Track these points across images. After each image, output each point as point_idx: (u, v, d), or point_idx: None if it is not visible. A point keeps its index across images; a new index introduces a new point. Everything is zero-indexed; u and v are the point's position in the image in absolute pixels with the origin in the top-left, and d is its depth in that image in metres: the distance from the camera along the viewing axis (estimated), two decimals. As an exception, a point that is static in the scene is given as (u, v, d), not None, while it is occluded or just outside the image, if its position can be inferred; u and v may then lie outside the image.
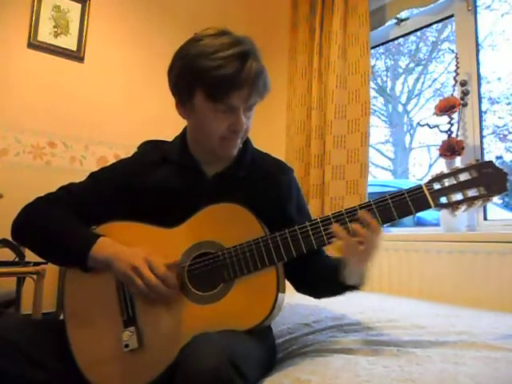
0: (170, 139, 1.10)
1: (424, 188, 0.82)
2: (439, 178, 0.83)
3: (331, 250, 0.98)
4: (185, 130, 1.06)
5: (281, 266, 0.87)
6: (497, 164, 0.81)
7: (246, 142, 1.05)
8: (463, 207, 0.81)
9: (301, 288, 1.05)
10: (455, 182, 0.82)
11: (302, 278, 1.01)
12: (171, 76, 0.96)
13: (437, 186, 0.82)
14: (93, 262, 0.90)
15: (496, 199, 0.81)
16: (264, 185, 1.01)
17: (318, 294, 1.04)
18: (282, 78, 2.55)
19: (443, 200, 0.82)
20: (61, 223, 0.95)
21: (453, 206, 0.82)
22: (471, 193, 0.81)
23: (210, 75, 0.86)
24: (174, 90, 0.97)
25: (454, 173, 0.82)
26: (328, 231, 0.84)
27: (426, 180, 0.84)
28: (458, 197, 0.81)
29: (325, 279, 0.96)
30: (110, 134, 2.44)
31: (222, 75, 0.85)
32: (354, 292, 0.94)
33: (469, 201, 0.81)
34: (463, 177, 0.82)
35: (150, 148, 1.08)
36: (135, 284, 0.84)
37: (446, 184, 0.82)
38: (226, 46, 0.87)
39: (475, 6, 1.94)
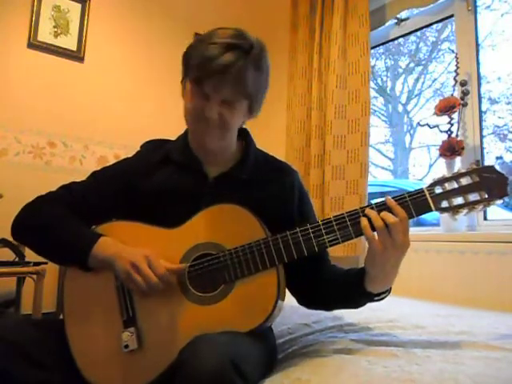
0: (170, 138, 1.10)
1: (425, 191, 0.82)
2: (440, 181, 0.82)
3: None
4: (187, 129, 1.06)
5: (281, 267, 0.87)
6: (498, 168, 0.81)
7: (249, 144, 1.05)
8: (464, 211, 0.81)
9: (312, 303, 1.02)
10: (456, 186, 0.82)
11: (312, 292, 0.99)
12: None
13: (438, 190, 0.82)
14: (94, 261, 0.90)
15: (497, 202, 0.81)
16: (266, 187, 1.00)
17: (331, 305, 1.02)
18: (282, 78, 2.55)
19: (444, 204, 0.82)
20: (62, 222, 0.95)
21: (454, 210, 0.81)
22: (472, 197, 0.81)
23: (194, 55, 0.92)
24: (182, 75, 1.01)
25: (456, 177, 0.82)
26: (330, 234, 0.84)
27: (427, 183, 0.84)
28: (459, 201, 0.81)
29: (340, 288, 0.94)
30: (110, 134, 2.44)
31: (200, 57, 0.90)
32: (376, 302, 0.91)
33: (470, 205, 0.81)
34: (464, 181, 0.81)
35: (153, 148, 1.08)
36: (134, 280, 0.84)
37: (448, 188, 0.82)
38: (223, 35, 0.90)
39: (475, 6, 1.94)
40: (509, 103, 2.97)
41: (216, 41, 0.89)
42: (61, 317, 0.93)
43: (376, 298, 0.91)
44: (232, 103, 0.94)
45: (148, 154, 1.06)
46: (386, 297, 0.92)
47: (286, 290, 0.99)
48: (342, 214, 0.84)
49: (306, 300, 1.03)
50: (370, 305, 1.39)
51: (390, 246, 0.80)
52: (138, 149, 1.12)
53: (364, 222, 0.82)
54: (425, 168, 4.84)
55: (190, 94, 0.95)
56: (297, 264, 0.90)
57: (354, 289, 0.90)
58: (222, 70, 0.88)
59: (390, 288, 0.91)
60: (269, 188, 1.00)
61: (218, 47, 0.89)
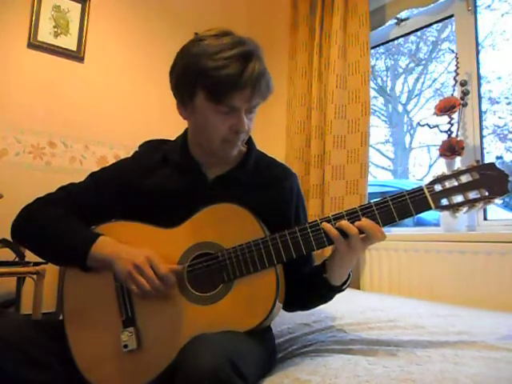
0: (170, 138, 1.10)
1: (425, 189, 0.82)
2: (440, 179, 0.82)
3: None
4: (186, 130, 1.06)
5: (280, 266, 0.87)
6: (498, 166, 0.81)
7: (251, 146, 1.04)
8: (464, 209, 0.81)
9: (291, 305, 1.00)
10: (456, 184, 0.81)
11: (292, 293, 0.96)
12: (172, 76, 0.96)
13: (438, 188, 0.82)
14: (93, 261, 0.89)
15: (497, 201, 0.81)
16: (265, 189, 1.00)
17: (307, 303, 1.02)
18: (282, 78, 2.55)
19: (444, 202, 0.81)
20: (60, 223, 0.95)
21: (454, 207, 0.81)
22: (472, 195, 0.80)
23: (211, 75, 0.85)
24: (175, 91, 0.96)
25: (455, 174, 0.82)
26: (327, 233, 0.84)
27: (426, 181, 0.83)
28: (459, 199, 0.81)
29: (310, 284, 0.96)
30: (110, 134, 2.44)
31: (224, 76, 0.84)
32: (339, 293, 0.95)
33: (470, 203, 0.80)
34: (464, 178, 0.81)
35: (151, 148, 1.08)
36: (136, 281, 0.84)
37: (447, 186, 0.82)
38: (228, 46, 0.86)
39: (475, 6, 1.94)
40: (509, 103, 2.97)
41: (229, 53, 0.85)
42: (61, 317, 0.93)
43: (343, 288, 0.94)
44: (253, 109, 0.93)
45: (146, 155, 1.06)
46: (349, 283, 0.96)
47: None
48: (341, 212, 0.84)
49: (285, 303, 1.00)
50: (370, 305, 1.40)
51: (359, 247, 0.84)
52: (137, 149, 1.12)
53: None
54: (425, 168, 4.84)
55: (211, 114, 0.90)
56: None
57: (321, 288, 0.93)
58: (255, 80, 0.86)
59: (349, 275, 0.94)
60: (268, 191, 1.00)
61: (236, 59, 0.85)
